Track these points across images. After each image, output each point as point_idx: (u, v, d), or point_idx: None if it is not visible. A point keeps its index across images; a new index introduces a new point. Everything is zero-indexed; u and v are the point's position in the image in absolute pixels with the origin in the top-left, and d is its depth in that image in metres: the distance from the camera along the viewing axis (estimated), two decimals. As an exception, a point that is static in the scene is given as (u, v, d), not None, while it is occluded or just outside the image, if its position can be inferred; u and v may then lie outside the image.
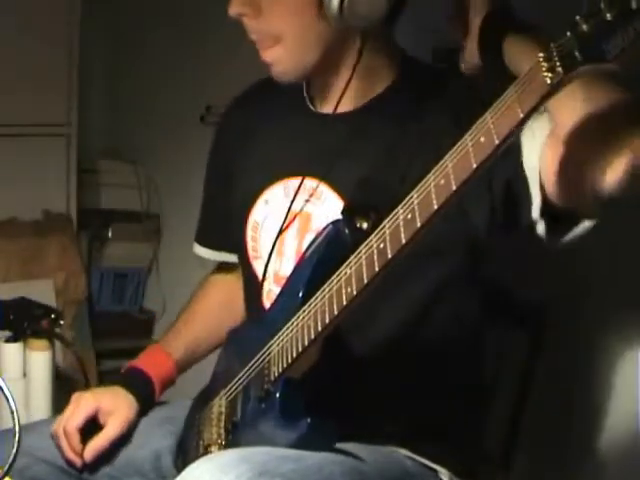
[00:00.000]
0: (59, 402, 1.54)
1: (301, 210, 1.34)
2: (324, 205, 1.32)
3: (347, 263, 1.12)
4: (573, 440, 1.67)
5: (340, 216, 1.23)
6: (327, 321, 1.14)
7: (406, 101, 1.29)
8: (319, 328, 1.15)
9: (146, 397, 1.47)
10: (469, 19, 1.18)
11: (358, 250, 1.11)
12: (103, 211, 3.00)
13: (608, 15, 0.83)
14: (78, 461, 1.38)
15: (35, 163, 2.76)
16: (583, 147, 1.00)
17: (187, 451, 1.39)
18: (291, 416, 1.19)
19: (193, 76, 2.78)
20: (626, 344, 1.60)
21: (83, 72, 2.87)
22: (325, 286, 1.16)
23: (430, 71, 1.35)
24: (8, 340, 2.16)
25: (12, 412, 1.07)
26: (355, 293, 1.10)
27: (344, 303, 1.11)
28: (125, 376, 1.50)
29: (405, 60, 1.33)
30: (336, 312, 1.12)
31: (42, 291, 2.59)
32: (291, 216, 1.34)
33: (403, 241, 1.03)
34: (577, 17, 0.86)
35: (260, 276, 1.38)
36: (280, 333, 1.23)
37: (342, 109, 1.31)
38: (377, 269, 1.07)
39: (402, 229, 1.04)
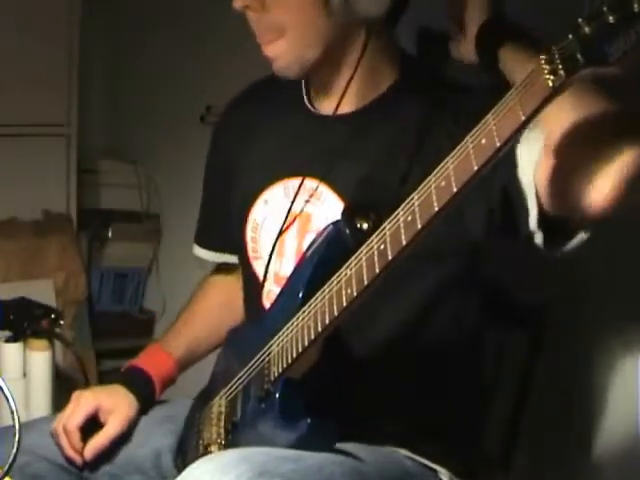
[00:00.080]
0: (59, 402, 1.54)
1: (301, 211, 1.34)
2: (324, 206, 1.32)
3: (347, 264, 1.12)
4: (573, 440, 1.67)
5: (340, 217, 1.23)
6: (327, 322, 1.14)
7: (407, 102, 1.29)
8: (319, 329, 1.15)
9: (146, 396, 1.47)
10: (465, 23, 1.19)
11: (358, 251, 1.11)
12: (103, 211, 3.00)
13: (611, 18, 0.83)
14: (78, 459, 1.38)
15: (35, 163, 2.76)
16: (572, 156, 1.00)
17: (187, 450, 1.40)
18: (291, 416, 1.19)
19: (193, 76, 2.78)
20: (626, 344, 1.60)
21: (83, 72, 2.87)
22: (325, 287, 1.16)
23: (429, 71, 1.35)
24: (8, 340, 2.16)
25: (12, 412, 1.07)
26: (355, 294, 1.10)
27: (344, 304, 1.11)
28: (125, 375, 1.50)
29: (405, 60, 1.33)
30: (336, 313, 1.12)
31: (42, 291, 2.59)
32: (291, 217, 1.34)
33: (403, 242, 1.03)
34: (579, 20, 0.86)
35: (260, 276, 1.38)
36: (280, 333, 1.23)
37: (343, 110, 1.31)
38: (377, 270, 1.07)
39: (402, 230, 1.04)
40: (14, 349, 2.15)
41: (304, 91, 1.39)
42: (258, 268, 1.40)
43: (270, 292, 1.37)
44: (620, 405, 1.61)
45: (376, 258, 1.07)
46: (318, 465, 1.13)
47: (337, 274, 1.14)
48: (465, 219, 1.20)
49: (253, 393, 1.27)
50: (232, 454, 1.14)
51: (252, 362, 1.28)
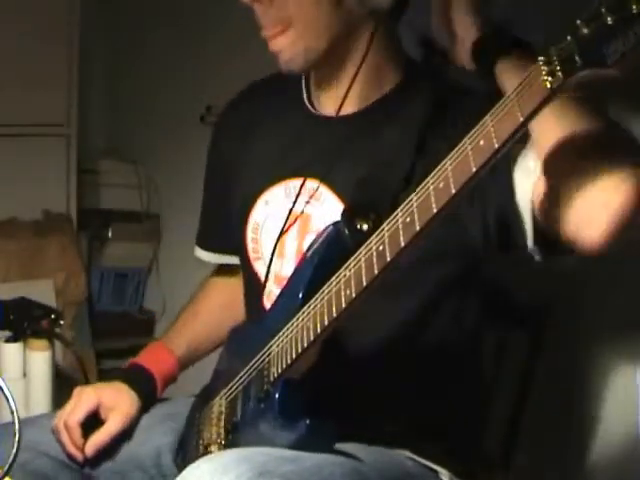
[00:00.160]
0: (59, 402, 1.54)
1: (301, 211, 1.34)
2: (323, 206, 1.32)
3: (346, 265, 1.12)
4: (573, 440, 1.67)
5: (340, 217, 1.23)
6: (326, 323, 1.14)
7: (410, 104, 1.29)
8: (318, 330, 1.15)
9: (148, 393, 1.47)
10: (457, 41, 1.19)
11: (358, 252, 1.11)
12: (103, 211, 3.00)
13: (609, 19, 0.83)
14: (79, 455, 1.38)
15: (35, 163, 2.76)
16: (562, 176, 1.01)
17: (187, 450, 1.40)
18: (290, 417, 1.19)
19: (193, 76, 2.78)
20: (626, 344, 1.60)
21: (83, 72, 2.87)
22: (325, 288, 1.16)
23: (431, 73, 1.35)
24: (8, 340, 2.16)
25: (12, 412, 1.07)
26: (354, 295, 1.10)
27: (343, 305, 1.11)
28: (127, 372, 1.50)
29: (408, 62, 1.33)
30: (335, 314, 1.12)
31: (42, 291, 2.59)
32: (292, 217, 1.34)
33: (402, 244, 1.03)
34: (578, 21, 0.86)
35: (261, 277, 1.39)
36: (280, 334, 1.23)
37: (344, 111, 1.31)
38: (376, 272, 1.07)
39: (401, 232, 1.04)
40: (14, 349, 2.15)
41: (304, 91, 1.39)
42: (259, 268, 1.40)
43: (270, 292, 1.37)
44: (620, 405, 1.61)
45: (375, 259, 1.07)
46: (318, 465, 1.13)
47: (336, 275, 1.14)
48: (463, 224, 1.21)
49: (253, 393, 1.27)
50: (232, 454, 1.14)
51: (252, 362, 1.29)
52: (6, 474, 1.08)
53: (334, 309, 1.12)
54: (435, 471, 1.31)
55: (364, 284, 1.08)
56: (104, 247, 3.01)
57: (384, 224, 1.07)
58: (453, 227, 1.17)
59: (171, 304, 2.94)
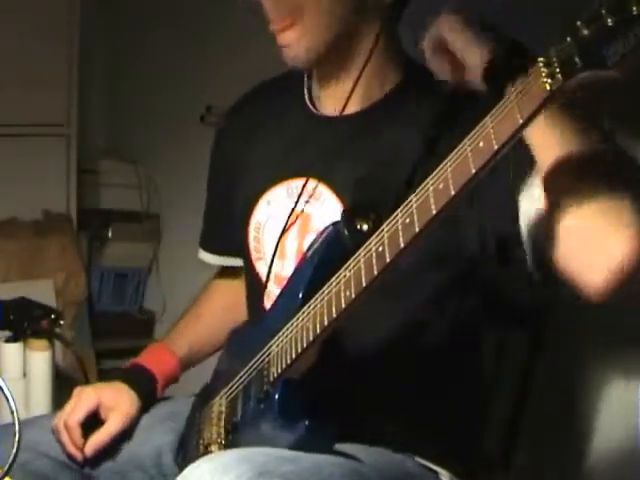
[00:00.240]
0: (59, 402, 1.54)
1: (301, 211, 1.34)
2: (323, 206, 1.32)
3: (346, 266, 1.12)
4: (573, 440, 1.67)
5: (340, 218, 1.23)
6: (326, 323, 1.14)
7: (410, 104, 1.29)
8: (318, 330, 1.15)
9: (148, 393, 1.47)
10: (467, 67, 1.13)
11: (357, 253, 1.11)
12: (103, 211, 3.00)
13: (609, 20, 0.82)
14: (79, 456, 1.39)
15: (35, 163, 2.76)
16: (560, 199, 1.01)
17: (188, 449, 1.40)
18: (289, 418, 1.19)
19: (193, 76, 2.78)
20: (626, 344, 1.60)
21: (83, 72, 2.87)
22: (324, 288, 1.16)
23: (431, 73, 1.35)
24: (8, 340, 2.16)
25: (12, 412, 1.07)
26: (354, 296, 1.10)
27: (343, 306, 1.11)
28: (127, 372, 1.50)
29: (409, 63, 1.34)
30: (335, 315, 1.12)
31: (42, 291, 2.59)
32: (292, 217, 1.34)
33: (402, 245, 1.03)
34: (578, 22, 0.85)
35: (263, 277, 1.39)
36: (280, 334, 1.23)
37: (346, 110, 1.32)
38: (376, 273, 1.06)
39: (401, 233, 1.03)
40: (14, 349, 2.15)
41: (306, 92, 1.40)
42: (260, 268, 1.41)
43: (271, 293, 1.37)
44: (620, 405, 1.61)
45: (374, 260, 1.07)
46: (317, 465, 1.13)
47: (336, 275, 1.14)
48: (462, 230, 1.21)
49: (253, 393, 1.27)
50: (232, 454, 1.14)
51: (252, 362, 1.29)
52: (6, 474, 1.08)
53: (334, 309, 1.12)
54: (435, 472, 1.31)
55: (363, 285, 1.08)
56: (104, 247, 3.01)
57: (384, 225, 1.07)
58: (452, 231, 1.18)
59: (171, 304, 2.94)
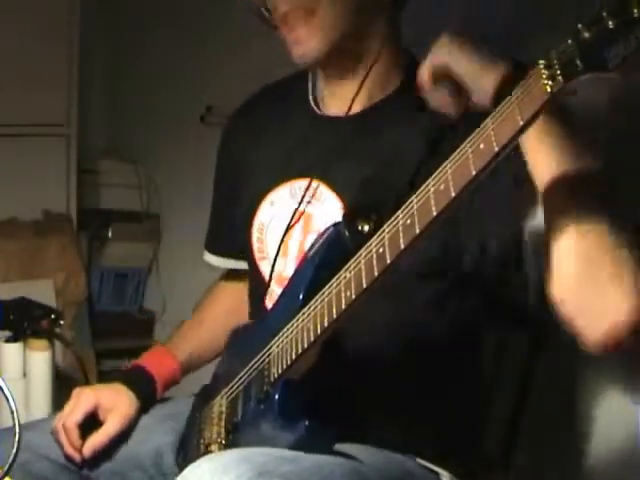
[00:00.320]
0: (59, 402, 1.54)
1: (304, 211, 1.35)
2: (324, 206, 1.32)
3: (347, 267, 1.12)
4: (573, 440, 1.67)
5: (341, 218, 1.24)
6: (326, 324, 1.14)
7: (412, 104, 1.29)
8: (318, 331, 1.15)
9: (147, 395, 1.47)
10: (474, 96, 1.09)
11: (358, 254, 1.11)
12: (103, 211, 3.00)
13: (610, 23, 0.82)
14: (77, 457, 1.39)
15: (35, 163, 2.76)
16: (554, 211, 1.01)
17: (188, 449, 1.40)
18: (289, 418, 1.19)
19: (193, 76, 2.78)
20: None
21: (83, 72, 2.87)
22: (325, 289, 1.16)
23: None
24: (8, 340, 2.16)
25: (12, 412, 1.07)
26: (354, 297, 1.10)
27: (343, 307, 1.11)
28: (127, 373, 1.50)
29: (413, 62, 1.34)
30: (335, 316, 1.12)
31: (42, 291, 2.59)
32: (296, 217, 1.35)
33: (402, 246, 1.03)
34: (579, 25, 0.85)
35: (266, 276, 1.40)
36: (280, 334, 1.23)
37: (347, 110, 1.32)
38: (376, 274, 1.06)
39: (401, 234, 1.03)
40: (14, 349, 2.15)
41: (310, 93, 1.40)
42: (263, 268, 1.41)
43: (273, 292, 1.38)
44: (620, 405, 1.61)
45: (375, 261, 1.07)
46: (318, 465, 1.13)
47: (337, 276, 1.14)
48: (462, 237, 1.21)
49: (253, 394, 1.27)
50: (232, 454, 1.14)
51: (252, 362, 1.29)
52: (6, 474, 1.08)
53: (334, 310, 1.12)
54: (436, 473, 1.31)
55: (364, 286, 1.08)
56: (104, 247, 3.01)
57: (385, 226, 1.07)
58: (453, 233, 1.18)
59: (171, 304, 2.94)
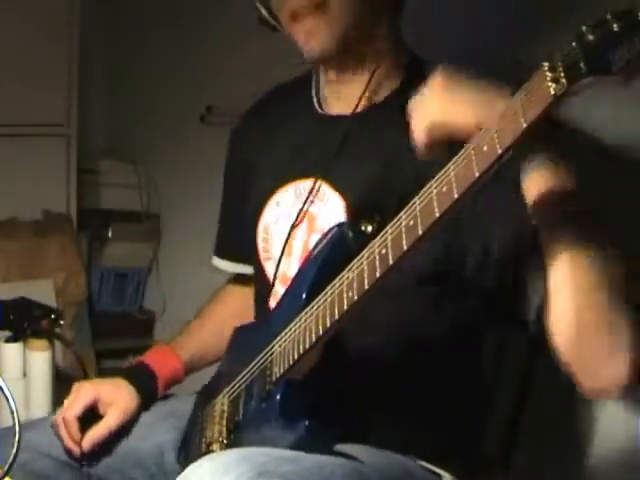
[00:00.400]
0: (59, 402, 1.55)
1: (307, 211, 1.35)
2: (327, 206, 1.33)
3: (350, 267, 1.12)
4: (573, 440, 1.67)
5: (345, 218, 1.24)
6: (328, 325, 1.14)
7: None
8: (320, 332, 1.15)
9: (148, 391, 1.48)
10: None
11: (361, 255, 1.11)
12: (103, 211, 3.00)
13: (615, 25, 0.82)
14: (77, 450, 1.39)
15: (35, 163, 2.76)
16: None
17: (190, 448, 1.40)
18: (290, 418, 1.19)
19: (193, 76, 2.78)
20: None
21: (83, 72, 2.87)
22: (328, 289, 1.16)
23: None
24: (8, 340, 2.16)
25: (12, 412, 1.07)
26: (356, 298, 1.10)
27: (345, 307, 1.11)
28: (129, 369, 1.51)
29: (413, 62, 1.34)
30: (337, 316, 1.12)
31: (42, 291, 2.59)
32: (300, 217, 1.36)
33: (405, 248, 1.03)
34: (583, 27, 0.85)
35: (270, 277, 1.40)
36: (282, 334, 1.23)
37: (349, 110, 1.33)
38: (378, 275, 1.06)
39: (404, 236, 1.03)
40: (14, 349, 2.15)
41: (314, 93, 1.41)
42: (268, 268, 1.42)
43: (277, 292, 1.38)
44: (620, 405, 1.61)
45: (377, 262, 1.06)
46: (318, 465, 1.13)
47: (339, 277, 1.14)
48: (465, 239, 1.21)
49: (255, 393, 1.27)
50: (233, 454, 1.14)
51: (255, 362, 1.29)
52: (6, 474, 1.08)
53: (336, 311, 1.13)
54: (438, 475, 1.31)
55: (366, 287, 1.08)
56: (104, 247, 3.01)
57: (387, 227, 1.07)
58: (456, 235, 1.18)
59: (171, 304, 2.94)
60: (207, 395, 1.43)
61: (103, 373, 2.78)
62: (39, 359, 2.15)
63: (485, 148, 0.94)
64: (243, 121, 1.57)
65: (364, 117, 1.33)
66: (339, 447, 1.21)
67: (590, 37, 0.84)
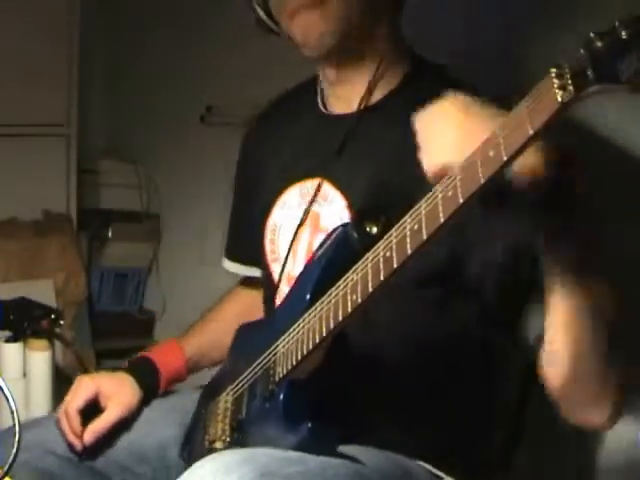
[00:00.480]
0: (59, 402, 1.55)
1: (312, 211, 1.36)
2: (331, 205, 1.34)
3: (354, 269, 1.12)
4: (573, 440, 1.66)
5: (350, 219, 1.24)
6: (332, 327, 1.14)
7: (412, 102, 1.29)
8: (324, 333, 1.15)
9: (150, 385, 1.48)
10: None
11: (365, 257, 1.11)
12: (103, 211, 3.00)
13: (623, 33, 0.81)
14: (78, 443, 1.39)
15: (35, 163, 2.76)
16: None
17: (193, 445, 1.40)
18: (293, 419, 1.19)
19: (193, 76, 2.78)
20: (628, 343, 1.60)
21: (83, 72, 2.87)
22: (332, 290, 1.16)
23: (438, 69, 1.36)
24: (8, 340, 2.16)
25: (12, 412, 1.07)
26: (360, 301, 1.09)
27: (349, 310, 1.11)
28: (132, 363, 1.51)
29: (413, 61, 1.35)
30: (340, 318, 1.12)
31: (42, 291, 2.59)
32: (305, 217, 1.36)
33: (409, 252, 1.02)
34: (591, 34, 0.83)
35: (276, 277, 1.40)
36: (286, 334, 1.24)
37: (351, 108, 1.34)
38: (382, 278, 1.06)
39: (408, 240, 1.02)
40: (14, 349, 2.16)
41: (319, 93, 1.42)
42: (276, 269, 1.43)
43: (282, 293, 1.39)
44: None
45: (381, 265, 1.06)
46: (321, 467, 1.13)
47: (344, 278, 1.14)
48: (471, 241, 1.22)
49: (259, 392, 1.27)
50: (235, 454, 1.14)
51: (258, 361, 1.29)
52: (6, 474, 1.08)
53: (340, 313, 1.12)
54: (440, 477, 1.31)
55: (370, 290, 1.07)
56: (104, 247, 3.01)
57: (393, 230, 1.06)
58: (459, 241, 1.18)
59: (171, 304, 2.94)
60: (211, 392, 1.43)
61: (103, 373, 2.78)
62: (39, 359, 2.15)
63: (491, 153, 0.93)
64: (253, 125, 1.57)
65: (365, 116, 1.33)
66: (341, 448, 1.21)
67: (598, 44, 0.83)
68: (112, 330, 2.95)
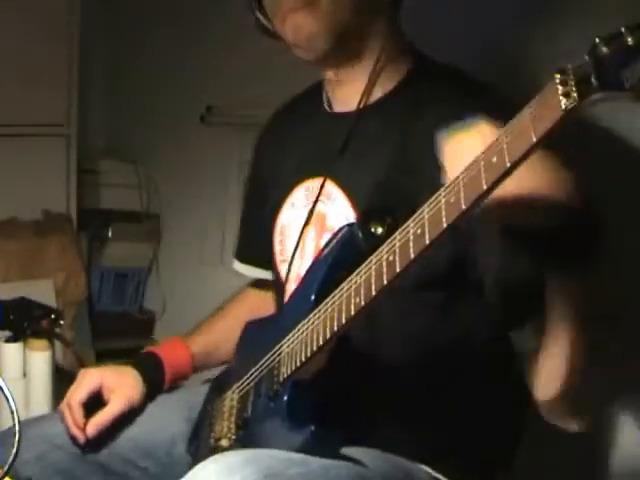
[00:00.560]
0: (59, 402, 1.55)
1: (317, 210, 1.36)
2: (335, 204, 1.34)
3: (358, 271, 1.12)
4: (573, 440, 1.66)
5: (355, 219, 1.24)
6: (335, 329, 1.14)
7: (412, 102, 1.29)
8: (328, 335, 1.15)
9: (154, 380, 1.48)
10: None
11: (369, 259, 1.10)
12: (103, 211, 3.00)
13: (629, 39, 0.79)
14: (81, 436, 1.39)
15: (35, 163, 2.76)
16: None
17: (200, 442, 1.41)
18: (297, 420, 1.19)
19: (193, 76, 2.79)
20: (627, 343, 1.60)
21: (83, 72, 2.87)
22: (336, 292, 1.16)
23: (441, 66, 1.36)
24: (8, 340, 2.16)
25: (12, 412, 1.07)
26: (363, 304, 1.09)
27: (352, 313, 1.11)
28: (137, 357, 1.52)
29: (413, 60, 1.34)
30: (344, 321, 1.12)
31: (42, 291, 2.59)
32: (310, 217, 1.37)
33: (412, 256, 1.02)
34: (596, 39, 0.82)
35: (284, 277, 1.41)
36: (291, 335, 1.24)
37: (351, 107, 1.34)
38: (385, 281, 1.06)
39: (411, 244, 1.02)
40: (14, 349, 2.15)
41: (324, 93, 1.42)
42: (284, 270, 1.43)
43: (290, 292, 1.38)
44: (620, 405, 1.61)
45: (385, 269, 1.06)
46: (324, 469, 1.13)
47: (348, 280, 1.14)
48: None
49: (264, 391, 1.27)
50: (238, 455, 1.14)
51: (263, 360, 1.29)
52: (6, 474, 1.08)
53: (343, 315, 1.12)
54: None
55: (373, 293, 1.08)
56: (104, 247, 3.01)
57: (396, 233, 1.06)
58: (462, 245, 1.17)
59: (171, 304, 2.94)
60: (217, 389, 1.43)
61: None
62: (39, 359, 2.15)
63: (494, 160, 0.93)
64: (266, 128, 1.58)
65: (365, 114, 1.33)
66: (343, 450, 1.21)
67: (603, 50, 0.82)
68: (112, 330, 2.95)
